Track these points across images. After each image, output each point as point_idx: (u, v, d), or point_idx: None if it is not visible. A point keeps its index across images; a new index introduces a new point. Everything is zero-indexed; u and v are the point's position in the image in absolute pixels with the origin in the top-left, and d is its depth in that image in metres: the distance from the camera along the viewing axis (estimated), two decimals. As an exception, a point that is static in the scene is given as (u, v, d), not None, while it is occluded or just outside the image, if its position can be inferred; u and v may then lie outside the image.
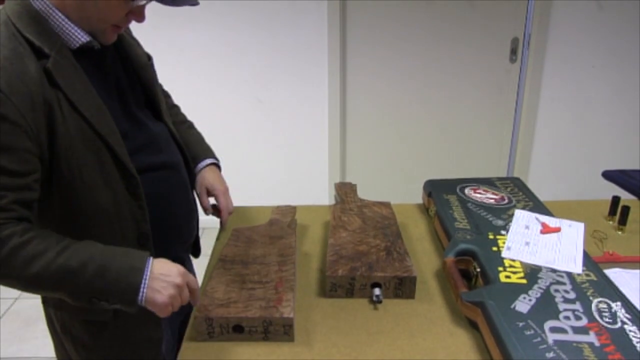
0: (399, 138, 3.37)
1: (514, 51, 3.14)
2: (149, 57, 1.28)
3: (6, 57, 0.94)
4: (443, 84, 3.24)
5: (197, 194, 1.35)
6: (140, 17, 1.06)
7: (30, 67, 0.96)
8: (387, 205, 1.43)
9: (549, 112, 3.21)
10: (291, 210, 1.47)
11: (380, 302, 1.11)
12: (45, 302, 1.19)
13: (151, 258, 0.98)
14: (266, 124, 3.15)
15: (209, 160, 1.39)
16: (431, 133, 3.35)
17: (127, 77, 1.18)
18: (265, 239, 1.31)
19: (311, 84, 3.13)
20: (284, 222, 1.39)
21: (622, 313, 0.95)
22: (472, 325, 1.02)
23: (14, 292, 2.85)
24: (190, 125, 1.46)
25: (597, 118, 3.20)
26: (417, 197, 1.61)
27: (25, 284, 0.95)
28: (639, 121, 3.18)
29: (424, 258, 1.28)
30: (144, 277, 0.96)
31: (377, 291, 1.11)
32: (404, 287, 1.12)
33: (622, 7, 2.97)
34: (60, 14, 1.01)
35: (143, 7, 1.04)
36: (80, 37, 1.03)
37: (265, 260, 1.20)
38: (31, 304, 2.76)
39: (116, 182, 1.06)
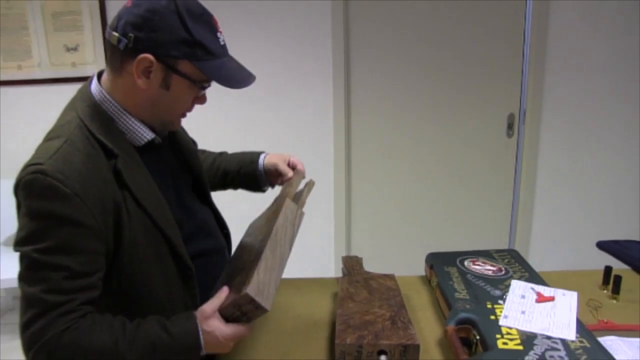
0: (403, 212, 3.48)
1: (510, 126, 3.28)
2: (194, 142, 1.39)
3: (83, 162, 1.02)
4: (444, 161, 3.38)
5: (280, 170, 1.45)
6: (203, 100, 1.17)
7: (103, 169, 1.04)
8: (391, 277, 1.51)
9: (547, 184, 3.32)
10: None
11: (386, 368, 1.17)
12: None
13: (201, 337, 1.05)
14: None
15: (263, 153, 1.50)
16: (434, 207, 3.46)
17: (178, 164, 1.28)
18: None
19: (318, 159, 3.26)
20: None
21: (612, 377, 1.01)
22: (474, 390, 1.09)
23: None
24: (222, 152, 1.58)
25: (594, 189, 3.30)
26: (420, 267, 1.69)
27: None
28: (637, 191, 3.28)
29: (427, 327, 1.35)
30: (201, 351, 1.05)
31: (383, 358, 1.17)
32: (408, 354, 1.18)
33: (612, 79, 3.13)
34: (128, 116, 1.11)
35: (205, 91, 1.15)
36: (145, 135, 1.13)
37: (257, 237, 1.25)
38: None
39: (172, 272, 1.14)
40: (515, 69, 3.22)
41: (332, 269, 3.43)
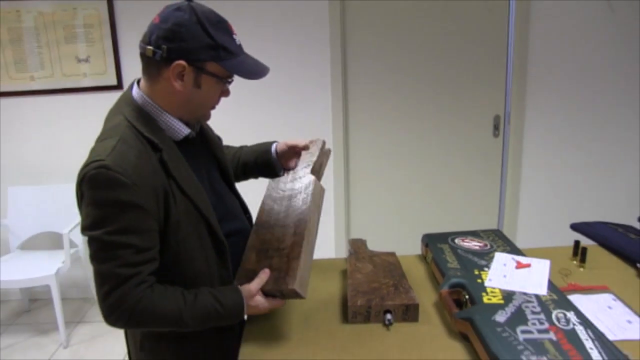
0: (399, 204, 3.74)
1: (496, 127, 3.53)
2: (219, 138, 1.61)
3: (136, 156, 1.22)
4: (437, 158, 3.65)
5: (291, 143, 1.69)
6: (228, 93, 1.38)
7: (152, 161, 1.24)
8: (392, 254, 1.74)
9: (531, 179, 3.59)
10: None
11: (391, 324, 1.40)
12: (142, 349, 1.45)
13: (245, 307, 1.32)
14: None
15: (275, 142, 1.71)
16: (427, 200, 3.72)
17: (208, 156, 1.50)
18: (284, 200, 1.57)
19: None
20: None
21: (574, 319, 1.25)
22: (464, 338, 1.31)
23: (43, 356, 3.08)
24: (242, 146, 1.81)
25: (574, 182, 3.57)
26: (416, 250, 1.92)
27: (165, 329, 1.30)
28: (611, 182, 3.55)
29: (425, 294, 1.58)
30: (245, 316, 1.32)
31: (388, 316, 1.40)
32: (409, 313, 1.42)
33: (590, 83, 3.38)
34: (167, 115, 1.32)
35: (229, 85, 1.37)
36: (183, 130, 1.35)
37: (285, 222, 1.47)
38: None
39: (209, 248, 1.36)
40: (500, 74, 3.47)
41: (332, 253, 3.71)
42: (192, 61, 1.26)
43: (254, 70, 1.33)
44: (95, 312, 3.72)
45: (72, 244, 3.51)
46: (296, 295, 1.31)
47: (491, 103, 3.53)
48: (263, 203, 1.59)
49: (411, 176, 3.68)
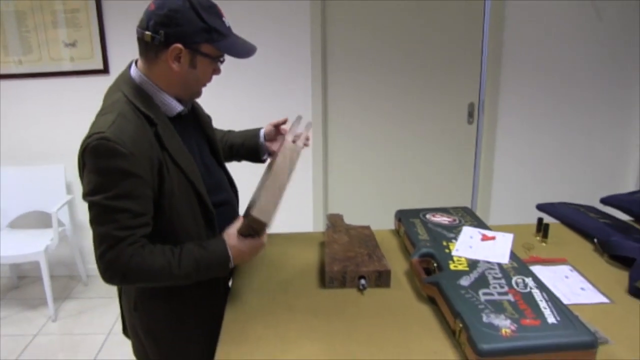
0: (376, 186, 3.86)
1: (470, 114, 3.65)
2: (209, 117, 1.72)
3: (134, 130, 1.32)
4: (413, 144, 3.76)
5: (275, 123, 1.83)
6: (218, 71, 1.49)
7: (148, 135, 1.34)
8: (367, 227, 1.86)
9: (503, 164, 3.73)
10: None
11: (365, 289, 1.51)
12: (135, 309, 1.55)
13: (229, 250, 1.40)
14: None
15: (263, 128, 1.84)
16: (403, 182, 3.85)
17: (199, 132, 1.60)
18: None
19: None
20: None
21: (531, 283, 1.37)
22: (432, 302, 1.42)
23: (32, 330, 3.18)
24: (230, 130, 1.92)
25: (543, 166, 3.73)
26: (391, 226, 2.03)
27: (158, 284, 1.38)
28: (576, 166, 3.70)
29: (397, 263, 1.69)
30: (230, 262, 1.40)
31: (362, 281, 1.51)
32: (382, 279, 1.53)
33: (564, 72, 3.53)
34: (163, 93, 1.42)
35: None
36: (176, 107, 1.45)
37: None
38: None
39: (198, 215, 1.46)
40: (475, 63, 3.59)
41: (311, 227, 3.83)
42: (188, 44, 1.36)
43: (243, 50, 1.44)
44: (82, 288, 3.83)
45: (60, 223, 3.60)
46: (260, 223, 1.36)
47: (466, 91, 3.66)
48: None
49: (387, 160, 3.80)
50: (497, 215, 3.80)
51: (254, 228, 1.39)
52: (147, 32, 1.35)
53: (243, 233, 1.41)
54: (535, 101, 3.59)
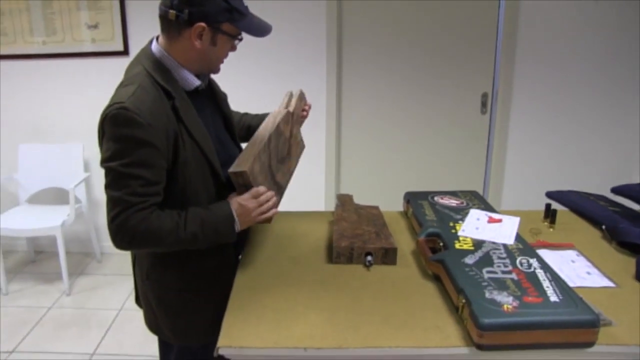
0: (387, 173, 3.87)
1: (484, 104, 3.65)
2: (225, 94, 1.75)
3: (152, 101, 1.36)
4: (427, 133, 3.76)
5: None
6: (235, 48, 1.53)
7: (166, 107, 1.39)
8: (376, 207, 1.88)
9: (516, 154, 3.71)
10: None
11: (371, 265, 1.54)
12: (148, 278, 1.60)
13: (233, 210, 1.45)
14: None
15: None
16: (416, 171, 3.85)
17: (214, 107, 1.64)
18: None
19: (311, 124, 3.61)
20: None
21: (535, 264, 1.38)
22: (436, 279, 1.45)
23: (47, 303, 3.26)
24: (246, 113, 1.97)
25: (555, 157, 3.72)
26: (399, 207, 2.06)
27: (167, 247, 1.41)
28: (588, 154, 3.69)
29: (404, 242, 1.71)
30: (235, 223, 1.44)
31: (369, 258, 1.53)
32: (388, 256, 1.55)
33: (577, 65, 3.50)
34: (182, 68, 1.46)
35: None
36: (194, 82, 1.49)
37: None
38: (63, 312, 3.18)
39: (211, 187, 1.50)
40: (489, 53, 3.58)
41: (322, 207, 3.86)
42: (210, 23, 1.40)
43: (261, 28, 1.49)
44: (96, 265, 3.90)
45: (77, 200, 3.67)
46: (240, 174, 1.44)
47: (480, 81, 3.65)
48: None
49: (400, 148, 3.81)
50: (508, 204, 3.79)
51: (240, 183, 1.45)
52: (172, 11, 1.39)
53: (239, 193, 1.48)
54: (548, 91, 3.57)
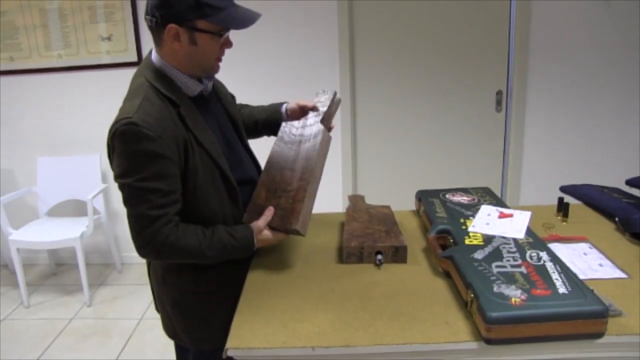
0: (403, 169, 3.88)
1: (499, 102, 3.63)
2: (232, 96, 1.76)
3: (159, 112, 1.37)
4: (442, 131, 3.75)
5: (302, 104, 1.81)
6: (229, 44, 1.51)
7: (172, 116, 1.40)
8: (387, 207, 1.88)
9: (532, 152, 3.68)
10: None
11: (381, 264, 1.54)
12: (163, 282, 1.63)
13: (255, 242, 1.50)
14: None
15: (285, 103, 1.86)
16: (431, 171, 3.85)
17: (221, 111, 1.65)
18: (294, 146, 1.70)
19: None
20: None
21: (545, 257, 1.37)
22: (446, 275, 1.45)
23: (68, 314, 3.29)
24: (246, 104, 1.95)
25: (571, 154, 3.69)
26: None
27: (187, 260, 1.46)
28: (605, 155, 3.65)
29: (415, 241, 1.71)
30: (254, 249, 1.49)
31: (379, 256, 1.53)
32: (398, 254, 1.55)
33: (590, 60, 3.47)
34: (180, 73, 1.46)
35: (228, 36, 1.49)
36: (196, 87, 1.50)
37: (293, 166, 1.61)
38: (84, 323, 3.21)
39: (222, 192, 1.52)
40: (503, 50, 3.56)
41: (340, 208, 3.85)
42: (182, 22, 1.39)
43: (242, 20, 1.44)
44: (116, 276, 3.95)
45: (95, 211, 3.72)
46: (298, 233, 1.49)
47: (494, 79, 3.64)
48: (275, 144, 1.72)
49: (416, 146, 3.80)
50: (527, 201, 3.77)
51: (288, 230, 1.51)
52: (147, 17, 1.42)
53: (275, 229, 1.53)
54: (563, 87, 3.54)
